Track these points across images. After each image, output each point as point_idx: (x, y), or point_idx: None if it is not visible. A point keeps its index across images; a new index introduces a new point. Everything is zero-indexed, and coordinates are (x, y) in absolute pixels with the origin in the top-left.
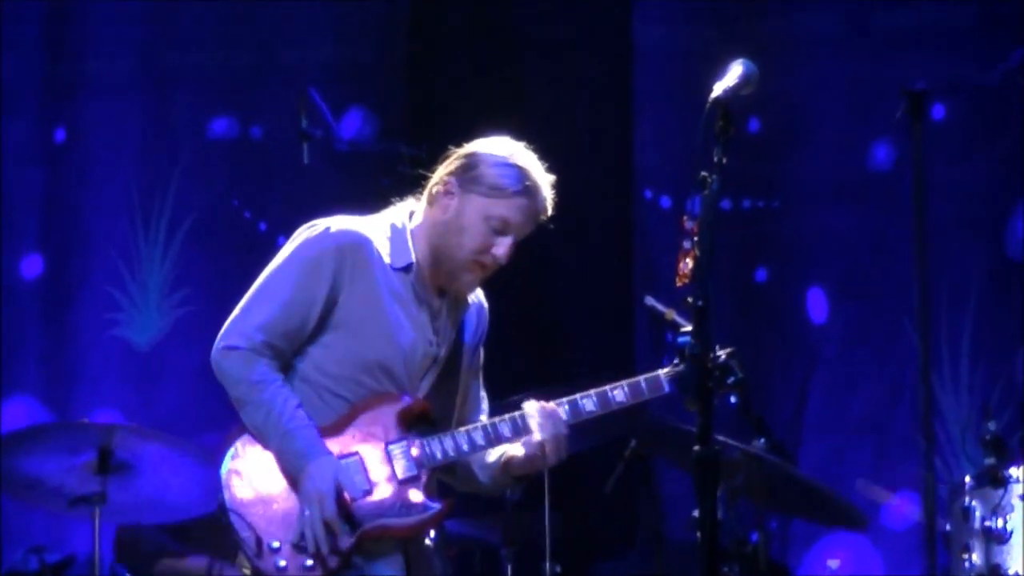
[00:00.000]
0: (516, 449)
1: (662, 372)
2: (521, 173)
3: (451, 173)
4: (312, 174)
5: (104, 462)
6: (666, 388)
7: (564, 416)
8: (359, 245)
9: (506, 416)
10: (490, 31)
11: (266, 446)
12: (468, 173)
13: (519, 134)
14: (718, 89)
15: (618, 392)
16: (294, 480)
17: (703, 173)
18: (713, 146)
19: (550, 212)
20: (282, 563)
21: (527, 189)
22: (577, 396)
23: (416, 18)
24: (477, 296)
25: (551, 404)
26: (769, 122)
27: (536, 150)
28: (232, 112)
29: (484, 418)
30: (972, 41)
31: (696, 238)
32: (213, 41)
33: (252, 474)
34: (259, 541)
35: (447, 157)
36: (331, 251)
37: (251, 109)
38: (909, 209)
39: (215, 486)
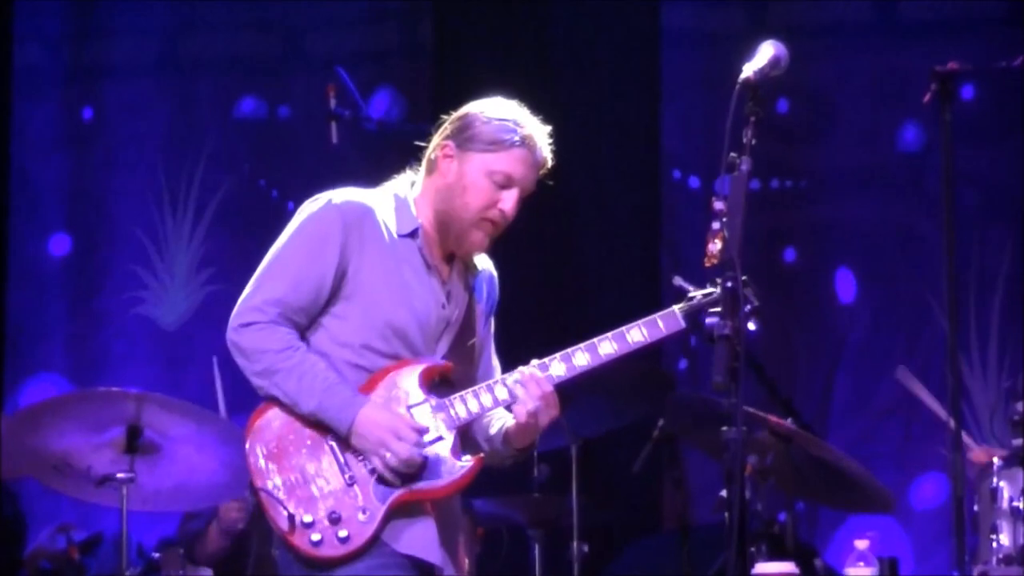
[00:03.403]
0: (512, 421)
1: (677, 308)
2: (517, 125)
3: (448, 136)
4: (339, 154)
5: (132, 441)
6: (682, 323)
7: (586, 362)
8: (363, 214)
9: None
10: (517, 13)
11: (302, 410)
12: (464, 133)
13: (547, 115)
14: (748, 70)
15: (635, 332)
16: (339, 437)
17: (732, 154)
18: (742, 127)
19: (550, 163)
20: (316, 537)
21: (525, 140)
22: (594, 340)
23: (442, 0)
24: (487, 265)
25: (529, 368)
26: (798, 103)
27: (564, 131)
28: (259, 93)
29: None
30: (1002, 30)
31: (725, 219)
32: (240, 23)
33: (279, 451)
34: (291, 518)
35: (441, 124)
36: (336, 223)
37: (279, 90)
38: (938, 191)
39: (243, 467)
